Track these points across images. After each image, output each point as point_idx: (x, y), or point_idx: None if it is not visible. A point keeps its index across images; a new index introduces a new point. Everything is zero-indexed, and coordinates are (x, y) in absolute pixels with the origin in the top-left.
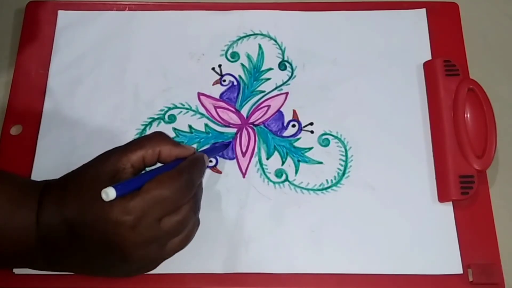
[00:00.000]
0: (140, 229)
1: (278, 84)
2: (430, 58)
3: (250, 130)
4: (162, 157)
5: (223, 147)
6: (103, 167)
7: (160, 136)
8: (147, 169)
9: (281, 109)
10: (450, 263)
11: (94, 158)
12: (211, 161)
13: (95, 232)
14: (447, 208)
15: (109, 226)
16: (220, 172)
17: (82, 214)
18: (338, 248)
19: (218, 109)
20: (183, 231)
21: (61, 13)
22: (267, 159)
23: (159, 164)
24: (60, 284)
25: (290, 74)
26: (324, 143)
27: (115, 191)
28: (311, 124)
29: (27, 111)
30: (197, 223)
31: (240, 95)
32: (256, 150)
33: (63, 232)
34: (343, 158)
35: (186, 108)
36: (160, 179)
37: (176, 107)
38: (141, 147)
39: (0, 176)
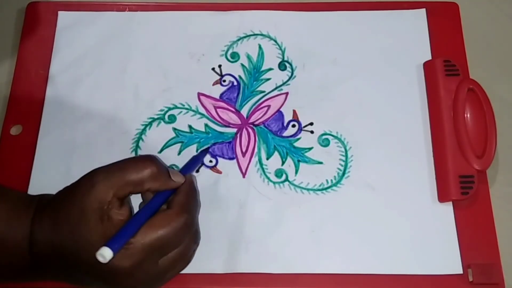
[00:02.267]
0: (137, 274)
1: (278, 84)
2: (430, 58)
3: (250, 130)
4: (151, 189)
5: (203, 154)
6: (89, 202)
7: (148, 166)
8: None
9: (281, 109)
10: (450, 263)
11: (78, 182)
12: (211, 161)
13: (91, 273)
14: (447, 208)
15: (106, 272)
16: (220, 172)
17: (77, 254)
18: (338, 248)
19: (218, 109)
20: (181, 263)
21: (61, 14)
22: (267, 159)
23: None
24: (59, 284)
25: (290, 74)
26: (324, 143)
27: (112, 251)
28: (311, 124)
29: (27, 111)
30: (196, 248)
31: (240, 95)
32: (256, 150)
33: (57, 261)
34: (343, 158)
35: (186, 108)
36: (159, 223)
37: (176, 107)
38: (128, 184)
39: None
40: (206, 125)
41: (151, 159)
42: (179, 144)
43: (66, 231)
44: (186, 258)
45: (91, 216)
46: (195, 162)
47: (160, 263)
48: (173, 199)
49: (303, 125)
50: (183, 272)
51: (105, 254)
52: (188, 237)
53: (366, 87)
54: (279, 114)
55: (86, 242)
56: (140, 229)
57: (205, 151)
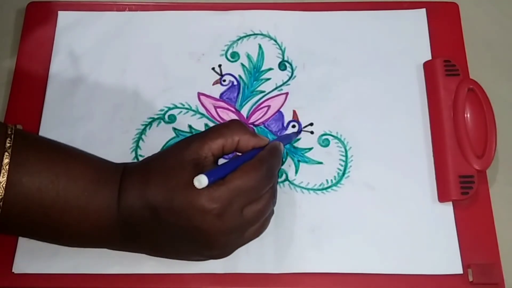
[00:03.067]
0: (225, 218)
1: (278, 84)
2: (430, 58)
3: None
4: (239, 146)
5: (294, 135)
6: (185, 155)
7: (238, 125)
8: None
9: (281, 110)
10: (450, 263)
11: (172, 146)
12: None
13: (182, 218)
14: (447, 208)
15: (196, 213)
16: None
17: (168, 200)
18: (338, 248)
19: (218, 109)
20: (261, 220)
21: (61, 14)
22: None
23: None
24: (60, 284)
25: (290, 74)
26: (324, 143)
27: (207, 178)
28: (311, 124)
29: (27, 111)
30: (272, 213)
31: (240, 95)
32: None
33: (145, 216)
34: (343, 158)
35: (186, 108)
36: (244, 169)
37: (176, 107)
38: (221, 136)
39: (84, 156)
40: (206, 125)
41: (238, 120)
42: None
43: (159, 180)
44: (266, 216)
45: (186, 164)
46: (285, 138)
47: (244, 211)
48: (257, 154)
49: (303, 125)
50: (183, 272)
51: (201, 179)
52: (268, 191)
53: (366, 87)
54: (279, 114)
55: (179, 184)
56: (228, 174)
57: (297, 133)
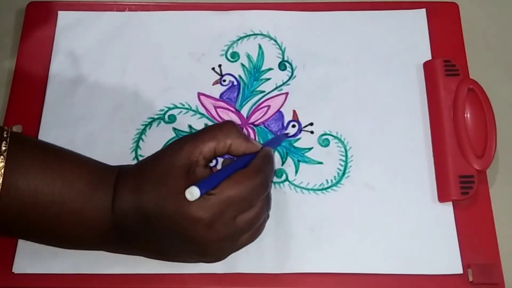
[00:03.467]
0: (216, 227)
1: (278, 84)
2: (430, 58)
3: (250, 130)
4: (231, 150)
5: (283, 137)
6: (177, 159)
7: (232, 128)
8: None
9: (281, 109)
10: (450, 263)
11: (166, 148)
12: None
13: (172, 225)
14: (447, 208)
15: (187, 222)
16: None
17: (159, 207)
18: (338, 248)
19: (218, 109)
20: (255, 227)
21: (61, 14)
22: None
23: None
24: (60, 284)
25: (290, 74)
26: (324, 143)
27: (199, 190)
28: (311, 124)
29: (27, 111)
30: (267, 218)
31: (240, 95)
32: None
33: (138, 220)
34: (343, 158)
35: (186, 108)
36: (237, 179)
37: (176, 107)
38: (213, 138)
39: (79, 159)
40: (205, 125)
41: (232, 122)
42: None
43: (151, 186)
44: (260, 223)
45: (178, 170)
46: (275, 141)
47: (237, 220)
48: (251, 162)
49: (303, 125)
50: (183, 272)
51: (193, 191)
52: (262, 199)
53: (366, 87)
54: (279, 114)
55: (170, 192)
56: (220, 184)
57: (286, 135)
